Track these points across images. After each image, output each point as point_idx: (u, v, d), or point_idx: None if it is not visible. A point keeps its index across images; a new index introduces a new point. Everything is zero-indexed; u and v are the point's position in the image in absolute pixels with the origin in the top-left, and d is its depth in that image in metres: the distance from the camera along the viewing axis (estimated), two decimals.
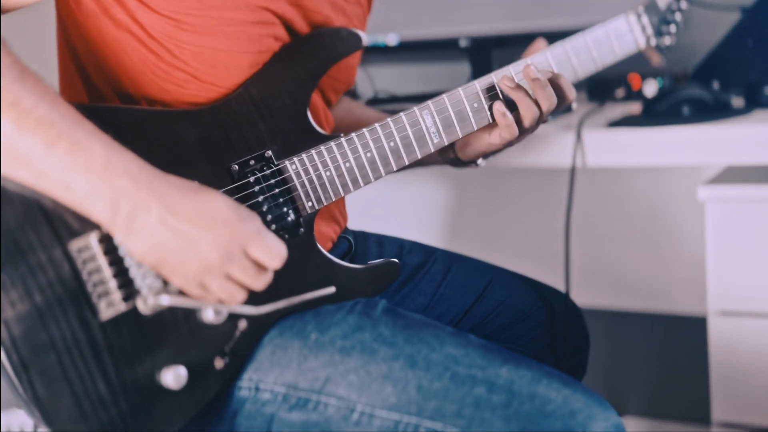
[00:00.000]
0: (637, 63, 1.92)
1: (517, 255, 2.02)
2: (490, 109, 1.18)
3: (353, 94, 1.94)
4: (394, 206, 2.22)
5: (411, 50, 1.97)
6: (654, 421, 2.09)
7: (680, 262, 1.94)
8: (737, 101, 1.60)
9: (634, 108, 1.67)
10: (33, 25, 1.52)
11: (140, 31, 1.06)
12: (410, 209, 2.21)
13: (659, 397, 2.09)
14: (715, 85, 1.62)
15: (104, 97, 1.10)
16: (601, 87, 1.80)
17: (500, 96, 1.19)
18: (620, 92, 1.78)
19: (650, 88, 1.74)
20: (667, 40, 1.39)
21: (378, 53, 1.97)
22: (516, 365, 1.02)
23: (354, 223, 1.36)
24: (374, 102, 1.90)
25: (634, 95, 1.77)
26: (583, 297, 1.86)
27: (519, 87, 1.17)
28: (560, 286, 1.42)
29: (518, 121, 1.19)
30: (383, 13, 1.91)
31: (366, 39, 1.16)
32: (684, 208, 1.92)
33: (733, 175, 1.54)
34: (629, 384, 2.12)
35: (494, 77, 1.20)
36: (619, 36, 1.33)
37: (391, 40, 1.92)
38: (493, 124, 1.20)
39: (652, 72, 1.78)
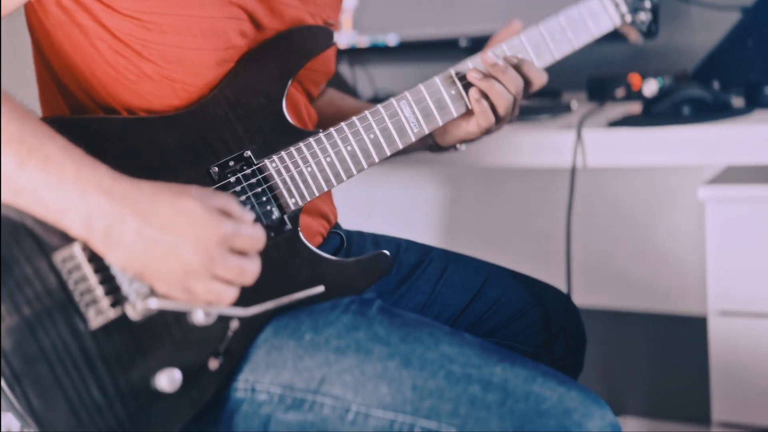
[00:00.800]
0: (637, 63, 1.93)
1: (517, 255, 2.02)
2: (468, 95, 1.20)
3: (353, 94, 1.93)
4: (393, 208, 2.22)
5: (411, 50, 1.97)
6: (654, 421, 2.09)
7: (680, 262, 1.94)
8: (737, 101, 1.60)
9: (634, 108, 1.67)
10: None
11: (107, 35, 1.07)
12: (411, 211, 2.21)
13: (659, 397, 2.09)
14: (715, 85, 1.61)
15: (84, 107, 1.11)
16: (601, 87, 1.80)
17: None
18: (620, 92, 1.78)
19: (650, 88, 1.74)
20: (642, 16, 1.38)
21: (378, 53, 1.97)
22: (511, 364, 1.02)
23: (352, 224, 1.36)
24: (374, 102, 1.89)
25: (634, 95, 1.77)
26: (583, 297, 1.86)
27: (486, 77, 1.19)
28: (561, 287, 1.42)
29: (493, 109, 1.21)
30: (383, 13, 1.91)
31: (337, 36, 1.16)
32: (684, 208, 1.92)
33: (733, 175, 1.54)
34: (629, 384, 2.12)
35: (470, 63, 1.21)
36: (594, 15, 1.32)
37: (391, 40, 1.92)
38: (470, 112, 1.21)
39: (653, 72, 1.78)
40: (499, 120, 1.23)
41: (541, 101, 1.79)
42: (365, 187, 2.21)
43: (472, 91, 1.20)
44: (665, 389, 2.08)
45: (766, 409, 1.45)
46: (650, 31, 1.39)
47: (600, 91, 1.80)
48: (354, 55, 2.00)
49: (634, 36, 1.40)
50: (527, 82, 1.23)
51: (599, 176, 1.97)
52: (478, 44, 1.90)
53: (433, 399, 0.99)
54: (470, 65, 1.21)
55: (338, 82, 2.03)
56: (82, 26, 1.07)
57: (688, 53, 1.86)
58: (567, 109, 1.70)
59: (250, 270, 0.97)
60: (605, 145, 1.51)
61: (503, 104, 1.20)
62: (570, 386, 1.00)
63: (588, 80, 1.83)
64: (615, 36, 1.75)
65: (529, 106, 1.73)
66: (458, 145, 1.31)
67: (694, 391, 1.94)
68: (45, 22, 1.08)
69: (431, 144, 1.32)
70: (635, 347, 2.10)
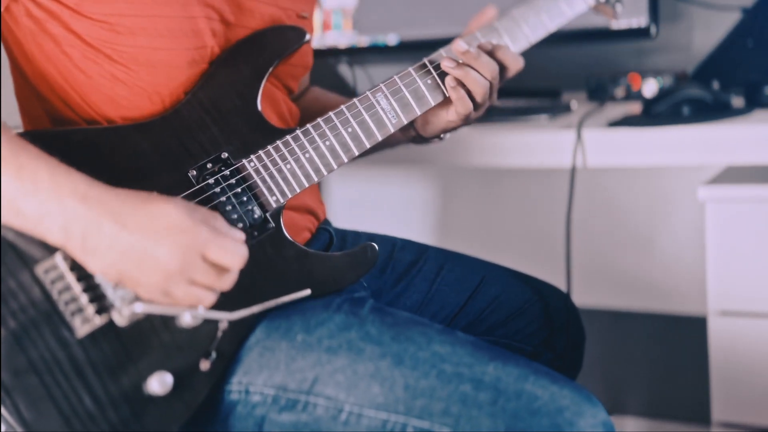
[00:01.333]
0: (637, 63, 1.93)
1: (517, 255, 2.02)
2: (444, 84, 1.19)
3: (352, 94, 1.93)
4: (392, 208, 2.21)
5: (411, 50, 1.96)
6: (654, 421, 2.09)
7: (680, 262, 1.94)
8: (737, 101, 1.60)
9: (634, 108, 1.66)
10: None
11: (78, 42, 1.07)
12: (409, 212, 2.21)
13: (659, 397, 2.09)
14: (715, 85, 1.61)
15: (63, 116, 1.11)
16: (601, 87, 1.80)
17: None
18: (620, 92, 1.78)
19: (650, 88, 1.74)
20: None
21: (378, 53, 1.97)
22: (503, 362, 1.01)
23: (348, 223, 1.36)
24: None
25: (634, 95, 1.77)
26: (583, 297, 1.86)
27: (459, 65, 1.18)
28: (561, 286, 1.41)
29: (470, 96, 1.20)
30: (383, 13, 1.91)
31: (309, 34, 1.17)
32: (684, 208, 1.92)
33: (733, 175, 1.54)
34: (629, 384, 2.12)
35: (443, 53, 1.21)
36: None
37: (391, 40, 1.92)
38: (448, 100, 1.21)
39: (653, 72, 1.78)
40: (477, 107, 1.22)
41: (541, 101, 1.79)
42: (363, 186, 2.21)
43: (448, 79, 1.18)
44: (665, 389, 2.08)
45: (766, 409, 1.45)
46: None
47: (600, 91, 1.80)
48: (354, 55, 2.00)
49: (611, 15, 1.40)
50: (503, 67, 1.23)
51: (599, 176, 1.97)
52: None
53: (425, 398, 0.99)
54: (444, 54, 1.21)
55: (338, 83, 2.03)
56: (53, 35, 1.07)
57: (688, 53, 1.86)
58: (567, 109, 1.70)
59: (227, 278, 0.97)
60: (605, 145, 1.51)
61: (479, 90, 1.19)
62: (562, 384, 1.00)
63: (588, 80, 1.83)
64: (615, 36, 1.75)
65: (529, 106, 1.73)
66: (442, 135, 1.30)
67: (694, 391, 1.94)
68: (16, 32, 1.09)
69: (414, 136, 1.31)
70: (635, 347, 2.10)
